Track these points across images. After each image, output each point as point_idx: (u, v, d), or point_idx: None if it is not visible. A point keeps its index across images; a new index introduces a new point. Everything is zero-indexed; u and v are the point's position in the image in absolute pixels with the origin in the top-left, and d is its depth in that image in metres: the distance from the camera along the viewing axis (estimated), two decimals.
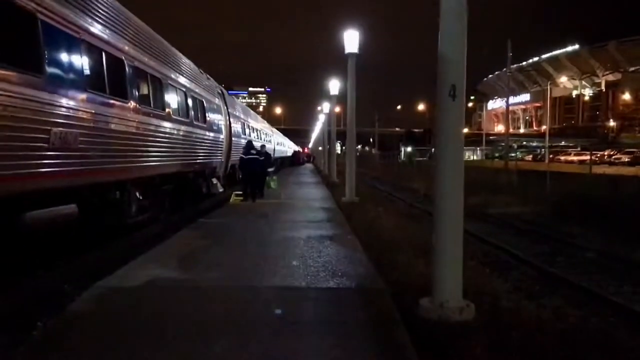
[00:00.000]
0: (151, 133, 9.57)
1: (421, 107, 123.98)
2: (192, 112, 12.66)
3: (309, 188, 22.60)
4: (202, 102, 13.74)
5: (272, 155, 16.84)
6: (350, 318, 4.89)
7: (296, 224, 11.10)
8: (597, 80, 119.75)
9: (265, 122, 42.51)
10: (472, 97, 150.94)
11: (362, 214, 13.37)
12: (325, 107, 39.19)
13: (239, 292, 5.67)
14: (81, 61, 7.06)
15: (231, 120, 18.64)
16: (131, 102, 8.57)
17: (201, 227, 10.54)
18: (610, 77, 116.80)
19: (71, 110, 6.72)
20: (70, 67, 6.82)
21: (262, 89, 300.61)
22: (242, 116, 22.69)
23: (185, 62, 12.89)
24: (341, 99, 29.26)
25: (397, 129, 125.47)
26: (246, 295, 5.57)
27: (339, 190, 20.69)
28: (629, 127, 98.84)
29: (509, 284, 7.85)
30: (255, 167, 15.49)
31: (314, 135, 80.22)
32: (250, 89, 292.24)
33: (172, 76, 11.15)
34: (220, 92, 17.44)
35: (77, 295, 5.54)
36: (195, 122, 12.82)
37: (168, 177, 11.26)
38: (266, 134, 35.87)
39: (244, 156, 15.57)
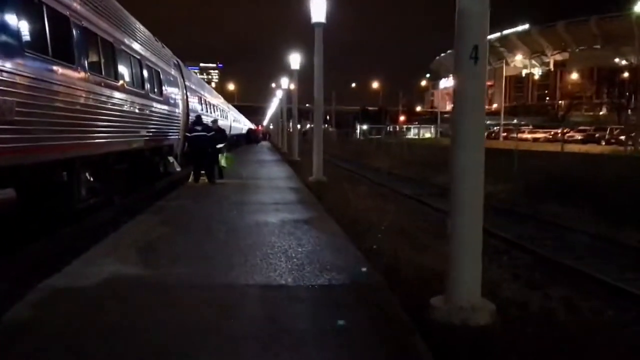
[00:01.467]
0: (103, 105, 8.42)
1: (375, 85, 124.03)
2: (148, 84, 11.47)
3: (271, 166, 21.66)
4: (159, 72, 12.52)
5: (225, 131, 15.61)
6: (353, 324, 4.09)
7: (265, 206, 10.20)
8: (546, 60, 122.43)
9: (221, 97, 40.99)
10: (427, 75, 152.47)
11: (332, 194, 12.58)
12: (284, 82, 38.07)
13: (214, 294, 4.77)
14: (17, 17, 5.89)
15: (188, 94, 17.41)
16: (79, 68, 7.41)
17: (161, 211, 9.50)
18: (559, 57, 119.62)
19: (4, 74, 5.58)
20: (4, 24, 5.66)
21: (214, 65, 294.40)
22: (199, 90, 21.42)
23: (140, 27, 11.60)
24: (300, 74, 28.31)
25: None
26: (223, 297, 4.68)
27: (302, 168, 19.85)
28: (577, 106, 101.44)
29: (505, 271, 7.24)
30: (203, 145, 14.21)
31: (270, 112, 78.81)
32: (202, 64, 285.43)
33: (126, 41, 9.92)
34: (176, 62, 16.17)
35: (17, 299, 4.53)
36: (151, 95, 11.64)
37: (122, 155, 10.12)
38: (222, 110, 34.49)
39: (188, 134, 14.37)
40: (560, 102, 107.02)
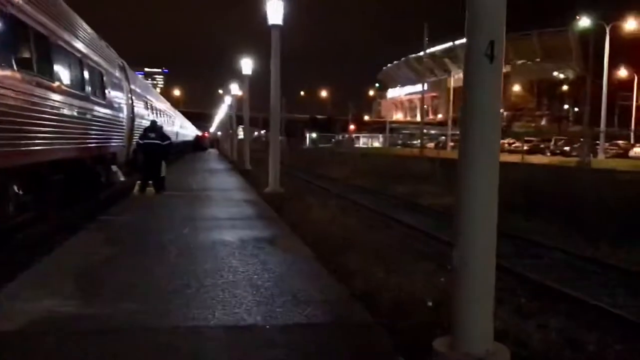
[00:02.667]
0: (35, 107, 7.32)
1: (324, 94, 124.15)
2: (89, 85, 10.35)
3: (222, 176, 20.65)
4: (102, 73, 11.39)
5: (171, 138, 14.65)
6: None
7: (221, 221, 9.29)
8: None
9: (168, 102, 39.51)
10: (377, 85, 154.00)
11: (292, 207, 11.79)
12: (233, 88, 36.99)
13: (169, 339, 3.89)
14: None
15: (134, 98, 16.25)
16: (4, 63, 6.33)
17: (103, 228, 8.44)
18: None
19: None
20: None
21: (159, 70, 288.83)
22: (145, 94, 20.19)
23: (81, 23, 10.47)
24: (251, 80, 27.39)
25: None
26: (180, 344, 3.80)
27: (255, 179, 18.96)
28: (520, 117, 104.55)
29: None
30: (156, 153, 13.28)
31: (217, 119, 77.17)
32: (147, 69, 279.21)
33: (65, 37, 8.81)
34: (121, 64, 15.00)
35: None
36: (92, 98, 10.51)
37: (59, 165, 8.98)
38: (169, 115, 33.10)
39: (140, 141, 13.36)
40: (502, 113, 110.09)
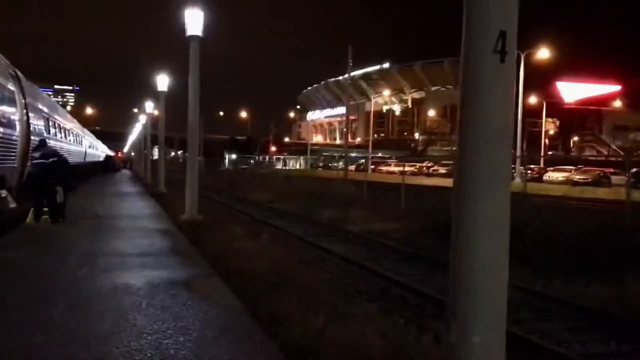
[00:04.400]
0: None
1: (244, 114, 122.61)
2: None
3: (133, 200, 18.81)
4: None
5: (65, 159, 12.93)
6: None
7: (128, 258, 7.82)
8: (404, 97, 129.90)
9: (75, 120, 36.72)
10: (297, 107, 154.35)
11: (212, 237, 10.47)
12: (148, 106, 34.91)
13: None
14: None
15: (31, 114, 14.29)
16: None
17: None
18: (416, 95, 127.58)
19: None
20: None
21: (70, 87, 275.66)
22: (46, 110, 18.10)
23: None
24: (167, 98, 25.79)
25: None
26: None
27: (171, 203, 17.37)
28: (434, 141, 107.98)
29: None
30: (43, 174, 11.60)
31: (131, 138, 73.65)
32: (57, 86, 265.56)
33: None
34: (14, 74, 13.09)
35: None
36: None
37: None
38: (76, 134, 30.55)
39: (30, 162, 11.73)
40: (418, 137, 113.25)
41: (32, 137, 13.83)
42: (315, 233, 14.23)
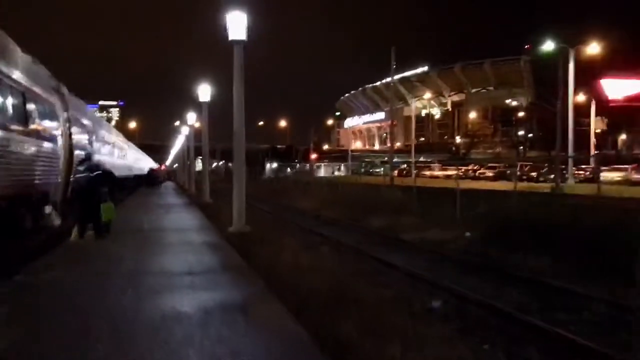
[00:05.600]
0: None
1: (283, 123, 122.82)
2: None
3: (179, 212, 18.45)
4: (23, 94, 9.26)
5: (111, 172, 12.43)
6: None
7: (175, 278, 7.23)
8: (444, 101, 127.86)
9: (121, 134, 37.05)
10: (337, 114, 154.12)
11: (263, 251, 9.83)
12: (190, 118, 34.85)
13: None
14: None
15: (74, 127, 14.06)
16: None
17: (17, 294, 6.29)
18: (456, 98, 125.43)
19: None
20: None
21: (115, 102, 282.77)
22: (90, 124, 17.97)
23: None
24: (210, 110, 25.56)
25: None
26: None
27: (217, 214, 16.92)
28: (476, 144, 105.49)
29: None
30: (91, 188, 11.19)
31: (174, 151, 74.44)
32: (102, 102, 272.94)
33: None
34: (56, 87, 12.84)
35: None
36: (8, 124, 8.36)
37: None
38: (121, 147, 30.68)
39: (75, 176, 11.33)
40: (459, 140, 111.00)
41: (75, 151, 13.57)
42: (367, 242, 13.47)
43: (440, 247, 12.09)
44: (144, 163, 53.03)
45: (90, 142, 17.32)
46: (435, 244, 12.58)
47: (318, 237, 13.98)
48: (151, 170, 52.75)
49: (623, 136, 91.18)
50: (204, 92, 23.17)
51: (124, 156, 31.73)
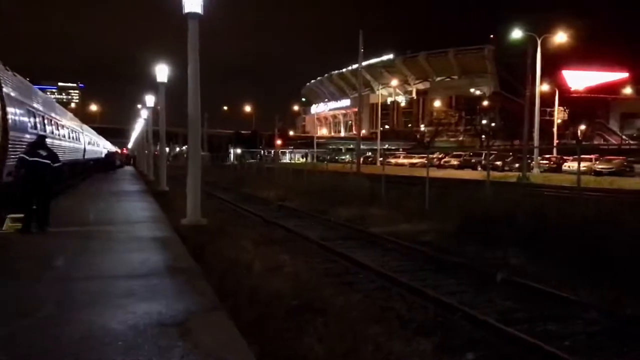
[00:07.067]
0: None
1: (248, 109, 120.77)
2: None
3: (132, 201, 17.15)
4: None
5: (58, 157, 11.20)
6: None
7: (110, 283, 6.15)
8: (409, 89, 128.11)
9: (75, 117, 35.10)
10: (302, 100, 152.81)
11: (217, 249, 8.87)
12: (149, 100, 33.25)
13: None
14: None
15: (10, 107, 12.65)
16: None
17: None
18: (421, 86, 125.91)
19: None
20: None
21: (75, 84, 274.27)
22: (34, 105, 16.47)
23: None
24: (169, 92, 24.29)
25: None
26: None
27: (172, 203, 15.81)
28: (441, 132, 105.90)
29: None
30: (45, 176, 10.09)
31: (134, 134, 72.08)
32: (60, 83, 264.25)
33: None
34: None
35: None
36: None
37: None
38: (73, 130, 28.91)
39: (27, 157, 10.03)
40: (424, 128, 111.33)
41: (11, 133, 12.20)
42: (334, 237, 12.54)
43: (412, 242, 11.27)
44: (100, 147, 50.85)
45: (35, 125, 15.87)
46: (407, 238, 11.76)
47: (282, 231, 12.98)
48: (110, 154, 50.73)
49: (583, 127, 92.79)
50: (161, 72, 21.85)
51: (76, 139, 29.97)
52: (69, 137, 26.43)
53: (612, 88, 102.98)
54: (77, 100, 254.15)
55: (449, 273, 8.76)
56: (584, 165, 37.97)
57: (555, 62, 69.12)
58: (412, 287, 7.51)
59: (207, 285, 6.09)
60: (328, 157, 67.35)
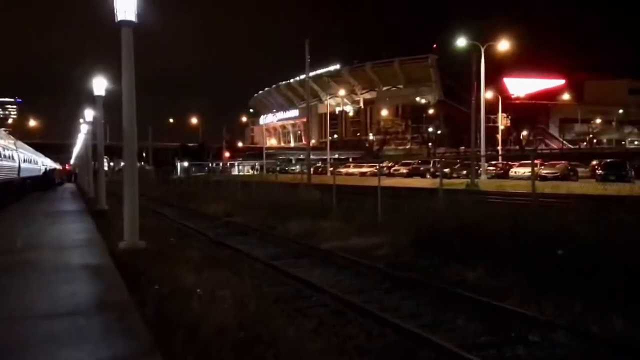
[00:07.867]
0: None
1: (194, 120, 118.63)
2: None
3: (68, 222, 16.01)
4: None
5: None
6: None
7: (27, 327, 5.34)
8: (356, 98, 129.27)
9: (9, 135, 33.16)
10: (251, 110, 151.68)
11: (156, 275, 8.09)
12: (88, 114, 31.75)
13: None
14: None
15: None
16: None
17: None
18: (368, 95, 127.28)
19: None
20: None
21: (12, 99, 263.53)
22: None
23: None
24: (111, 105, 23.11)
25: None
26: None
27: (111, 223, 14.80)
28: (389, 140, 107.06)
29: None
30: None
31: (76, 150, 69.34)
32: None
33: None
34: None
35: None
36: None
37: None
38: (6, 148, 27.19)
39: None
40: (372, 136, 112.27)
41: None
42: (285, 255, 11.93)
43: (366, 258, 10.79)
44: (38, 164, 48.46)
45: None
46: (360, 253, 11.28)
47: (229, 252, 12.26)
48: (49, 171, 48.41)
49: (525, 132, 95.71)
50: (99, 85, 20.73)
51: (10, 157, 28.24)
52: (1, 156, 24.83)
53: (551, 94, 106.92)
54: (14, 116, 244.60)
55: (406, 291, 8.30)
56: (529, 170, 38.86)
57: (498, 69, 71.04)
58: (369, 310, 6.99)
59: (141, 323, 5.38)
60: (278, 168, 66.60)
